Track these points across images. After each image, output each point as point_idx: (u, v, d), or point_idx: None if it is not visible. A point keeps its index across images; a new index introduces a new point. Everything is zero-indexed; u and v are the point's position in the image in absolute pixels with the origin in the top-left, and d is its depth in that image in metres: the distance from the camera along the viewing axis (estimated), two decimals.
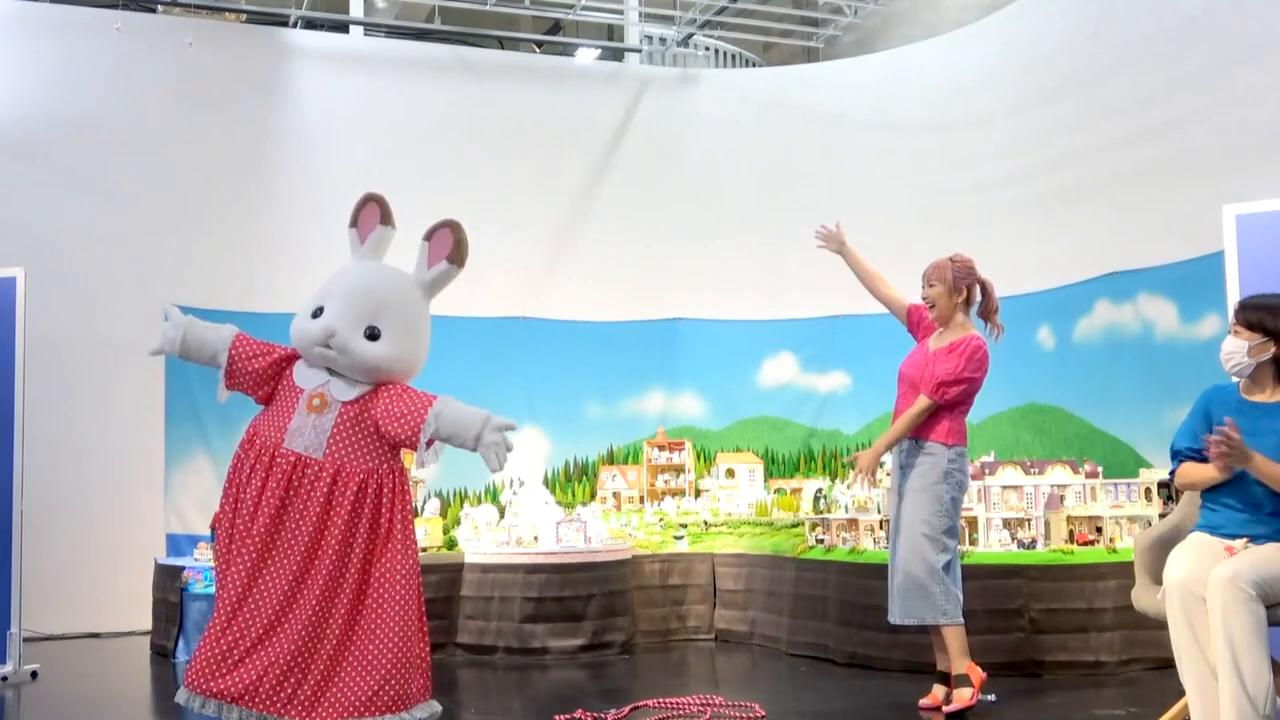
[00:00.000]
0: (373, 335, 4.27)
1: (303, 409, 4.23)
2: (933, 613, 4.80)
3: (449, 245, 4.51)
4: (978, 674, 4.86)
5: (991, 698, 4.87)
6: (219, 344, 4.31)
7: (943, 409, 4.89)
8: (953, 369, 4.84)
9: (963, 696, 4.76)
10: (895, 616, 4.92)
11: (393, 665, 4.00)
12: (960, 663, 4.83)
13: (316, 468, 4.17)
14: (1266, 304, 3.77)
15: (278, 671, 3.95)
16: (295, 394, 4.27)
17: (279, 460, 4.15)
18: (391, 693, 3.98)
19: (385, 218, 4.52)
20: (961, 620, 4.85)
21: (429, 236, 4.55)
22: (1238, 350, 3.75)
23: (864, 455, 5.01)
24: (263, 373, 4.29)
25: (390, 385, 4.29)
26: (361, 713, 3.97)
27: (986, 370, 4.95)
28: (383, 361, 4.28)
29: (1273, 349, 3.71)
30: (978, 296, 5.05)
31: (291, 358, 4.34)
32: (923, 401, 4.87)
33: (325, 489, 4.13)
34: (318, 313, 4.26)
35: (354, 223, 4.54)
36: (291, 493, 4.11)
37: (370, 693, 3.98)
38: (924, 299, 5.03)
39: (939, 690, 4.88)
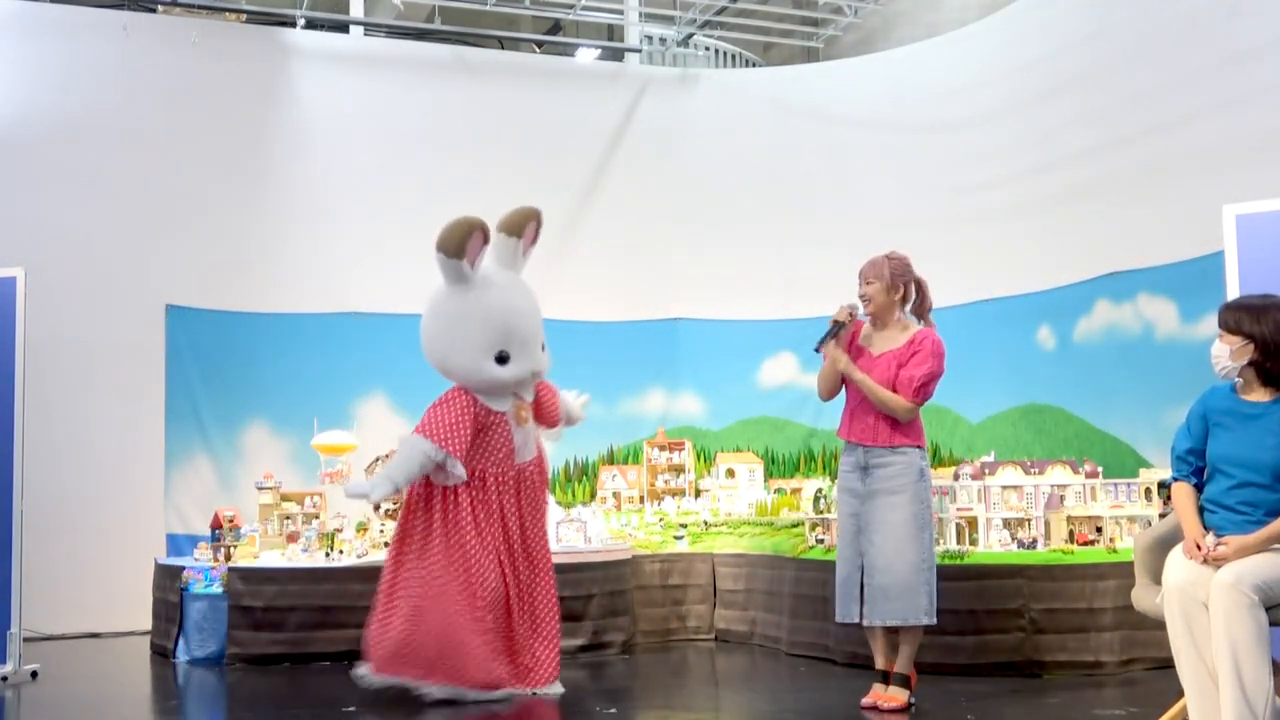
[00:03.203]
0: (542, 347, 5.38)
1: (515, 426, 5.22)
2: (915, 613, 4.77)
3: (535, 234, 5.54)
4: (915, 677, 4.90)
5: (913, 700, 4.85)
6: (434, 462, 5.00)
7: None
8: (927, 369, 4.82)
9: (899, 697, 4.78)
10: (872, 618, 4.83)
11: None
12: (908, 664, 4.86)
13: (532, 468, 5.30)
14: (1246, 306, 3.79)
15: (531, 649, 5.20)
16: (502, 419, 5.17)
17: (515, 475, 5.21)
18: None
19: (488, 238, 5.22)
20: (935, 620, 4.85)
21: (519, 232, 5.41)
22: (1222, 354, 3.77)
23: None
24: (475, 430, 5.10)
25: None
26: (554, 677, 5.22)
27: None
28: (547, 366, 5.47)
29: (1252, 352, 3.72)
30: (913, 294, 5.03)
31: (474, 400, 5.11)
32: (903, 403, 4.81)
33: (543, 484, 5.38)
34: (503, 358, 5.13)
35: (459, 253, 5.06)
36: (523, 497, 5.22)
37: (554, 657, 5.25)
38: (861, 296, 5.00)
39: (880, 689, 4.86)
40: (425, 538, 5.08)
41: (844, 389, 5.04)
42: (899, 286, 4.96)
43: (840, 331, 4.98)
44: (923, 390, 4.83)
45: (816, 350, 5.03)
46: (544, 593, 5.26)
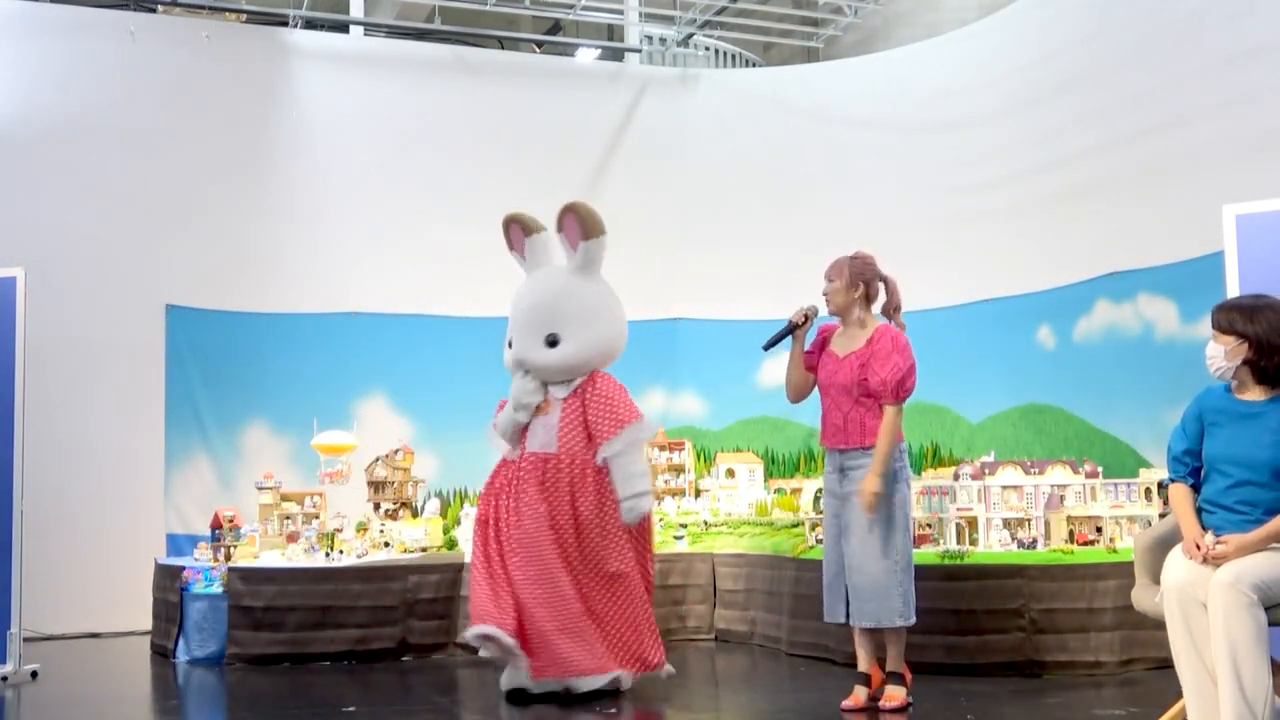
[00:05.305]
0: (553, 342, 5.18)
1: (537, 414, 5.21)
2: (889, 615, 4.76)
3: (577, 227, 5.37)
4: (909, 674, 4.89)
5: (911, 699, 4.85)
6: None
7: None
8: (894, 366, 4.78)
9: (898, 695, 4.77)
10: (851, 618, 4.83)
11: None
12: (898, 662, 4.85)
13: (555, 462, 5.14)
14: (1239, 306, 3.80)
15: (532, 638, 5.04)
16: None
17: (523, 463, 5.15)
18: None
19: (528, 229, 5.37)
20: (913, 619, 4.84)
21: (560, 227, 5.39)
22: (1217, 354, 3.77)
23: (869, 489, 4.73)
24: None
25: (600, 380, 5.23)
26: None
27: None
28: (569, 360, 5.19)
29: (1246, 350, 3.72)
30: (881, 294, 5.01)
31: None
32: (890, 413, 4.76)
33: (567, 479, 5.09)
34: (511, 345, 5.27)
35: (511, 247, 5.41)
36: (544, 487, 5.10)
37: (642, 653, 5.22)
38: (823, 293, 5.00)
39: (861, 691, 4.84)
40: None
41: (815, 390, 5.05)
42: (858, 285, 4.93)
43: (795, 332, 5.01)
44: (900, 388, 4.77)
45: (764, 348, 5.07)
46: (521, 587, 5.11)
